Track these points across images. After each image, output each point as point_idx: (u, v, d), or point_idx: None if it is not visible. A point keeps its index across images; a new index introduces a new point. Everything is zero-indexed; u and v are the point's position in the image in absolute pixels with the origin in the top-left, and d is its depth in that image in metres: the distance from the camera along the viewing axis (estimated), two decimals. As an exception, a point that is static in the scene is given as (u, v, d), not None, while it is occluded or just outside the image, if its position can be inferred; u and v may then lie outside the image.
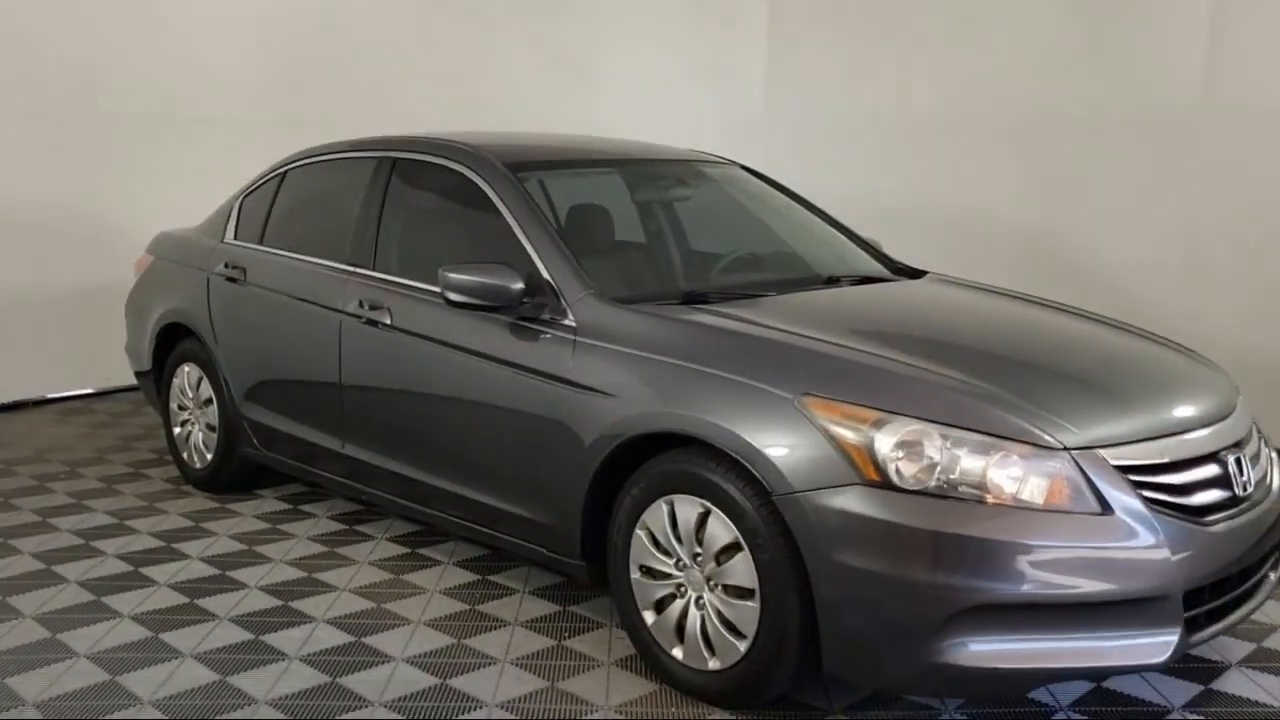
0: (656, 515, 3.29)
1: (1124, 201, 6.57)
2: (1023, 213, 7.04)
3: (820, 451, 2.93)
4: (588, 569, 3.57)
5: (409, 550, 4.49)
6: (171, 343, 5.35)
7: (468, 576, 4.22)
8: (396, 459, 4.17)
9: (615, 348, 3.42)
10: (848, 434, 2.93)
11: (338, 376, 4.33)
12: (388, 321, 4.10)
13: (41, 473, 5.55)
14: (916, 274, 4.39)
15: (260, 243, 4.95)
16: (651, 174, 4.64)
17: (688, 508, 3.20)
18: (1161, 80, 6.33)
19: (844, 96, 7.80)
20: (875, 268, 4.42)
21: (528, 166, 4.13)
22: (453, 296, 3.68)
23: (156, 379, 5.48)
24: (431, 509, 4.11)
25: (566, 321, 3.58)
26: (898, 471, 2.87)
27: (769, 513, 3.00)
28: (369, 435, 4.28)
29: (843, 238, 4.64)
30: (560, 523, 3.58)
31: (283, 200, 4.97)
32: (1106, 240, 6.59)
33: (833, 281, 4.08)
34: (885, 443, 2.89)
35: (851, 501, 2.87)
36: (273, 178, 5.05)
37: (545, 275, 3.69)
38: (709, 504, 3.14)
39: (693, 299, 3.67)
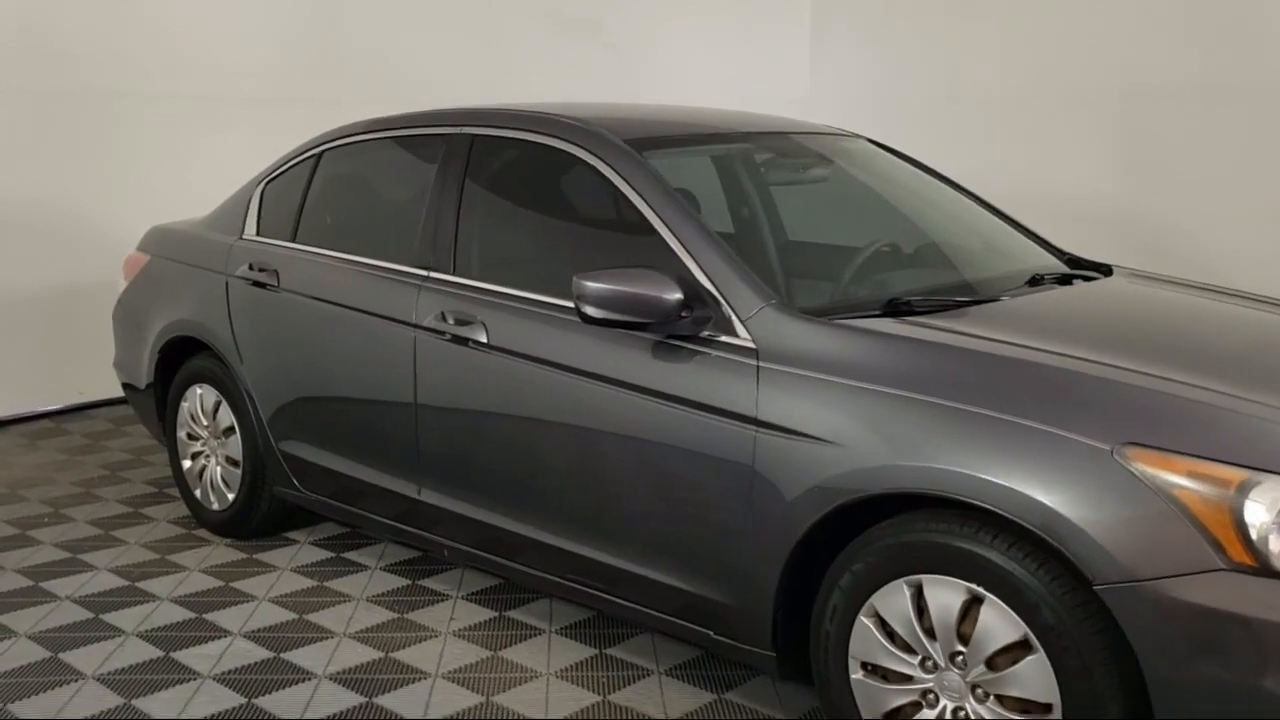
0: (894, 600, 2.51)
1: (1231, 184, 5.88)
2: (1113, 196, 6.34)
3: (1160, 522, 2.18)
4: (778, 661, 2.78)
5: (496, 614, 3.68)
6: (178, 359, 4.47)
7: (582, 650, 3.43)
8: (492, 508, 3.35)
9: (822, 377, 2.63)
10: (1199, 499, 2.16)
11: (412, 406, 3.50)
12: (483, 339, 3.27)
13: (20, 516, 4.64)
14: (1103, 269, 3.64)
15: (293, 240, 4.08)
16: (784, 149, 3.83)
17: (946, 593, 2.43)
18: (1274, 47, 5.64)
19: (898, 73, 7.04)
20: (1054, 262, 3.66)
21: (653, 144, 3.31)
22: (591, 311, 2.86)
23: (159, 401, 4.59)
24: (538, 569, 3.30)
25: (739, 341, 2.79)
26: (1272, 550, 2.11)
27: (1079, 604, 2.23)
28: (455, 479, 3.46)
29: (1000, 222, 3.88)
30: (740, 600, 2.79)
31: (319, 188, 4.10)
32: (1212, 228, 5.90)
33: (1036, 282, 3.31)
34: (1259, 512, 2.13)
35: (1216, 593, 2.12)
36: (303, 160, 4.18)
37: (705, 282, 2.89)
38: (981, 589, 2.37)
39: (896, 308, 2.88)
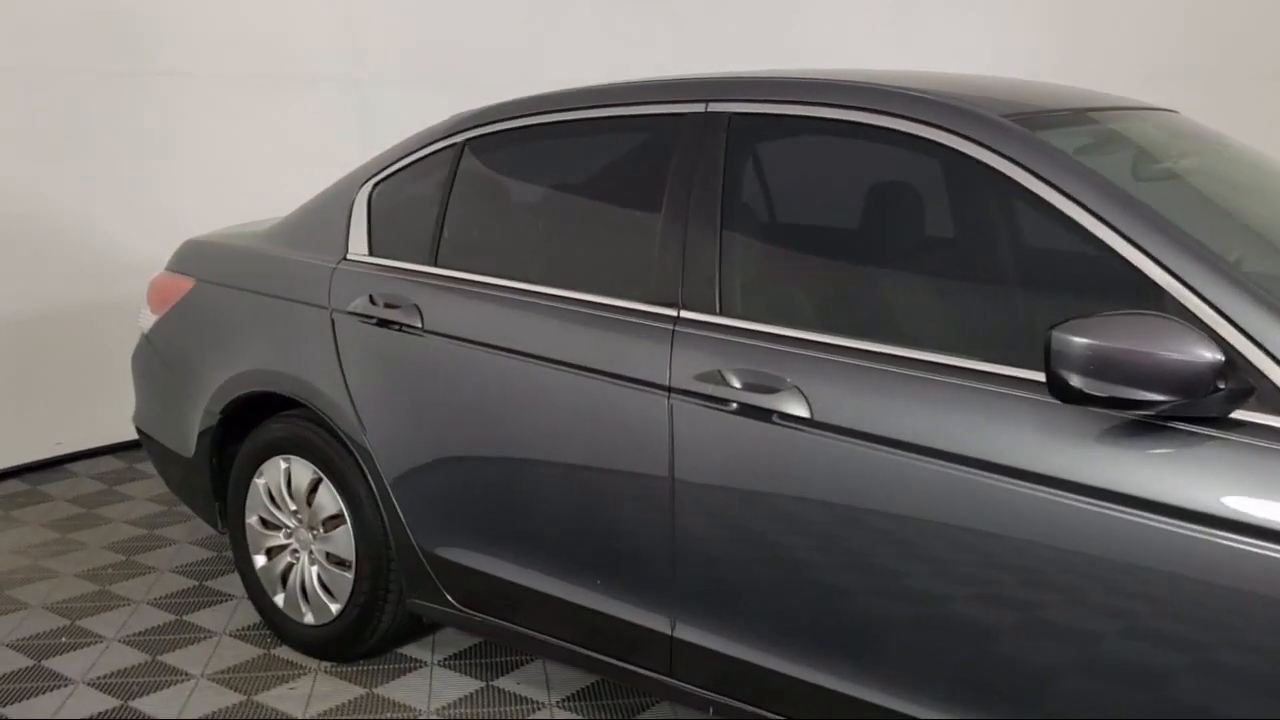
0: None
1: None
2: None
3: None
4: None
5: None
6: (246, 419, 3.32)
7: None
8: (816, 665, 2.31)
9: None
10: None
11: (664, 504, 2.43)
12: (800, 413, 2.22)
13: (26, 637, 3.46)
14: None
15: (434, 263, 2.96)
16: (1144, 129, 2.80)
17: None
18: None
19: (1041, 46, 6.06)
20: None
21: (1043, 124, 2.28)
22: (1080, 383, 1.82)
23: (215, 476, 3.43)
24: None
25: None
26: None
27: None
28: (742, 614, 2.40)
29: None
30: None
31: (466, 191, 3.00)
32: None
33: None
34: None
35: None
36: (435, 154, 3.06)
37: (1232, 335, 1.87)
38: None
39: None
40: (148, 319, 3.70)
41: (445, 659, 3.27)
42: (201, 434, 3.41)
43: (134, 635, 3.43)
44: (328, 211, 3.26)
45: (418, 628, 3.33)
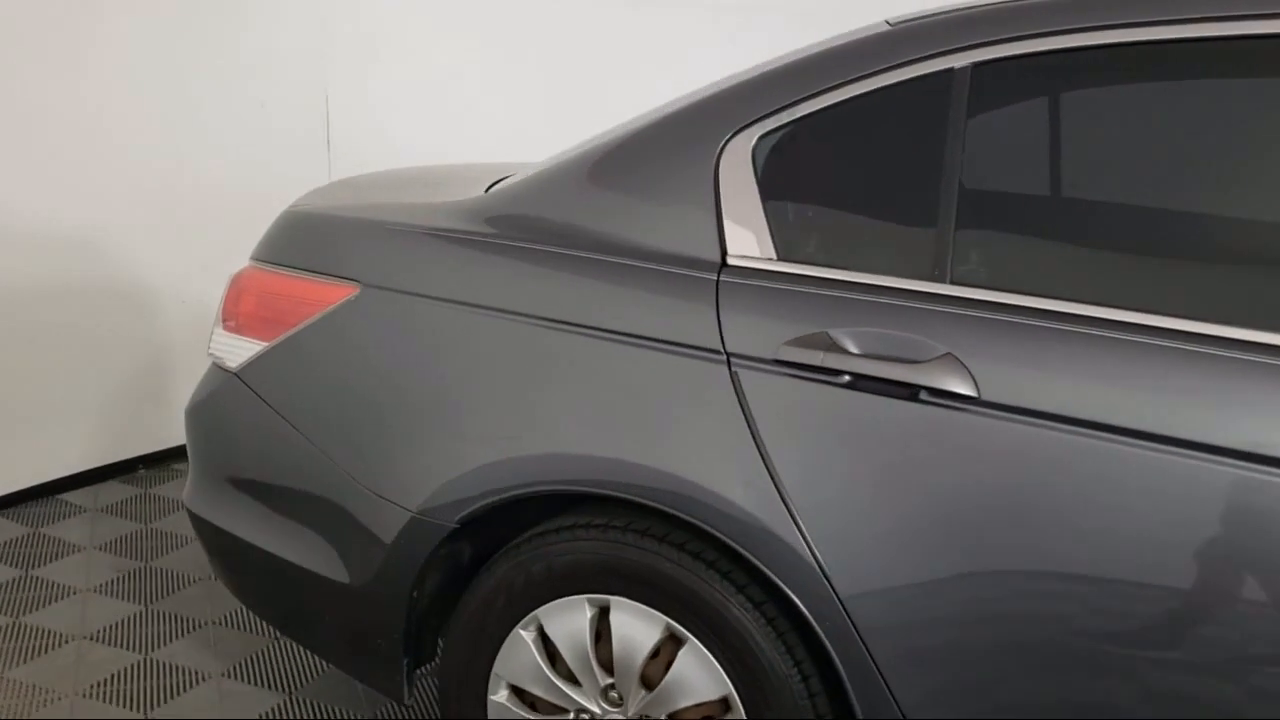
0: None
1: None
2: None
3: None
4: None
5: None
6: (493, 533, 1.98)
7: None
8: None
9: None
10: None
11: None
12: None
13: None
14: None
15: (945, 279, 1.70)
16: None
17: None
18: None
19: None
20: None
21: None
22: None
23: (413, 613, 2.06)
24: None
25: None
26: None
27: None
28: None
29: None
30: None
31: (997, 154, 1.74)
32: None
33: None
34: None
35: None
36: (897, 85, 1.78)
37: None
38: None
39: None
40: (234, 346, 2.23)
41: None
42: (394, 552, 2.00)
43: None
44: (657, 177, 1.91)
45: None
